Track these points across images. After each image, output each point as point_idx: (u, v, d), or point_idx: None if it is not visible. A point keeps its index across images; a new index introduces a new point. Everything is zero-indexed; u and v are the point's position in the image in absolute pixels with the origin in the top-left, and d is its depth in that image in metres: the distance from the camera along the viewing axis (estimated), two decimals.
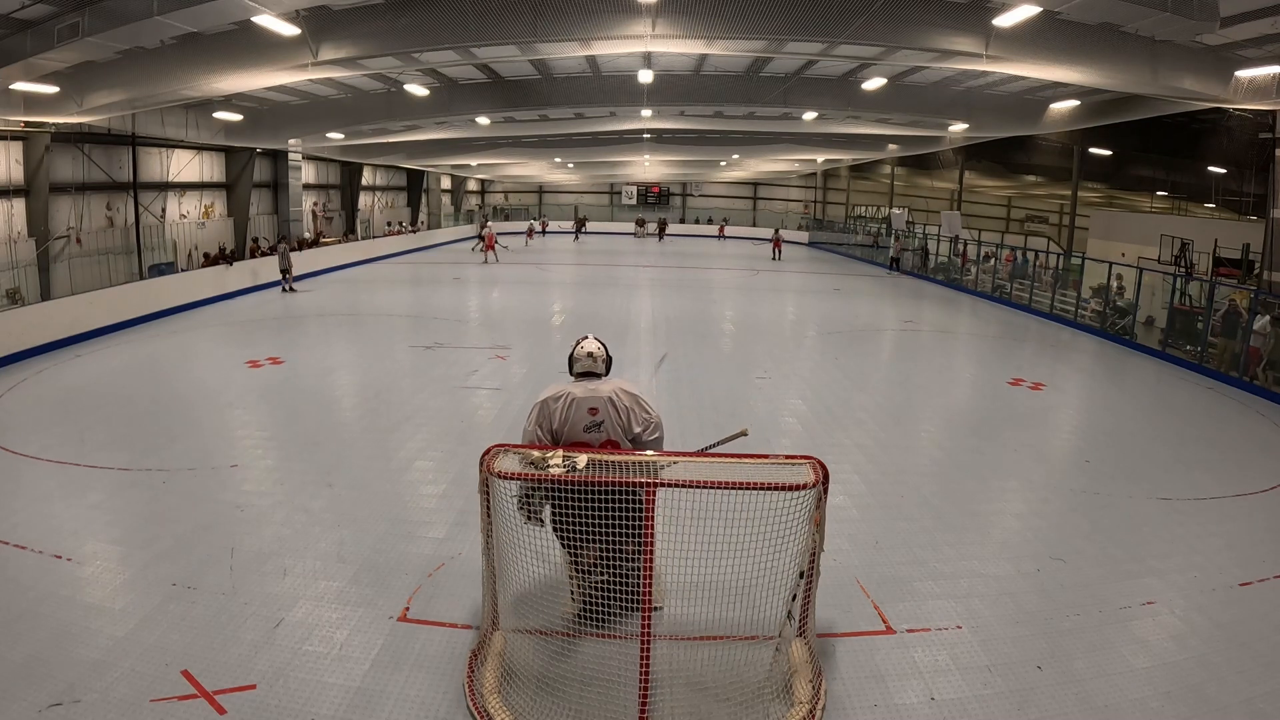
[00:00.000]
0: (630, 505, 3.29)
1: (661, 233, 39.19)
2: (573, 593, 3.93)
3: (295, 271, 17.67)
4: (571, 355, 4.08)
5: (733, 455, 3.80)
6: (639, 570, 3.29)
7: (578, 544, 3.58)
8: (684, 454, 3.85)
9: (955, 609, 4.39)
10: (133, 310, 12.94)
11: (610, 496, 3.28)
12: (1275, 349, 10.13)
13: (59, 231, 15.13)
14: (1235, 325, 10.97)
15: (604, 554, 3.59)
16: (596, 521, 3.32)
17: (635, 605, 3.30)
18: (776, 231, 31.92)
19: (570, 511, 3.35)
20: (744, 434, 4.32)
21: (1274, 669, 3.90)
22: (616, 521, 3.29)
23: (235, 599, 4.29)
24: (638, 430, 3.95)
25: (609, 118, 18.87)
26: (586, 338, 4.12)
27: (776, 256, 29.53)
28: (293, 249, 18.29)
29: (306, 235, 22.82)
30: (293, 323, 13.72)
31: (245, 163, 21.05)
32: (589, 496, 3.29)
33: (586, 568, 3.74)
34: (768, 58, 13.33)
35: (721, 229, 40.03)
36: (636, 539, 3.29)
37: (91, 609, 4.17)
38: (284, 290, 17.10)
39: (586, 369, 4.01)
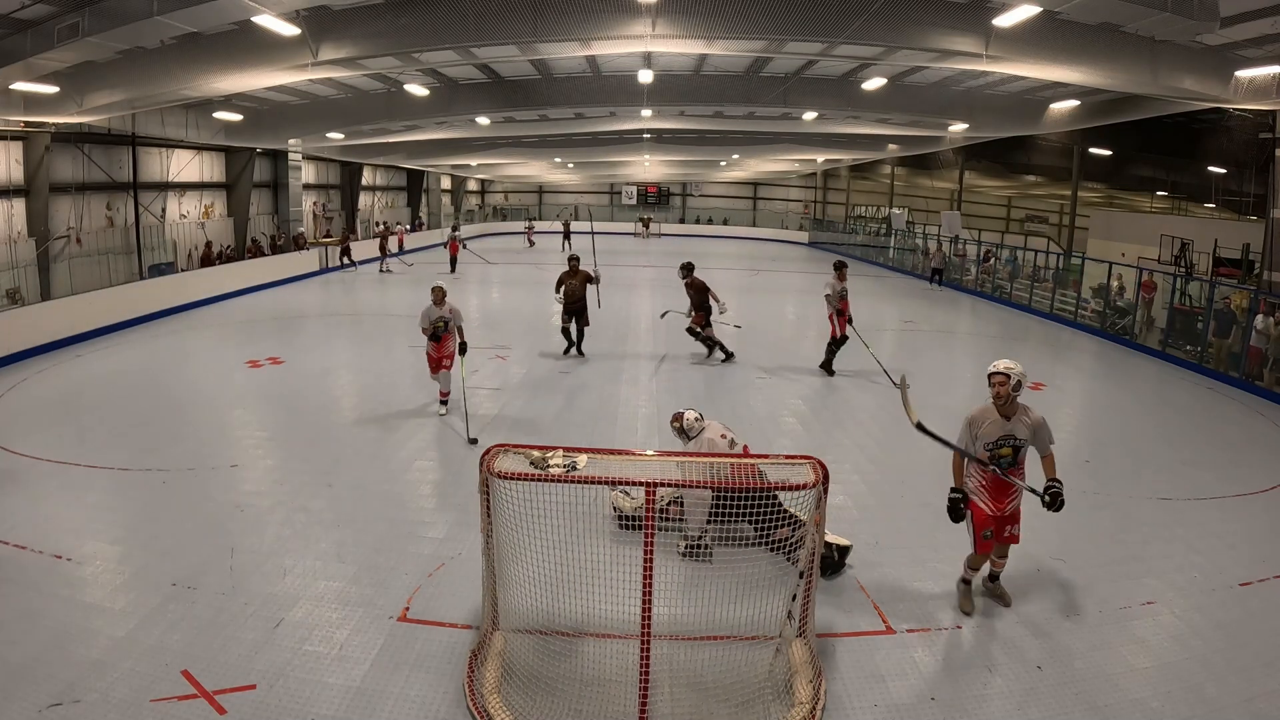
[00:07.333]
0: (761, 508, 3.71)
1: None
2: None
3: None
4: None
5: (733, 455, 3.81)
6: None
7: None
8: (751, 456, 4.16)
9: (955, 609, 4.39)
10: (133, 310, 12.94)
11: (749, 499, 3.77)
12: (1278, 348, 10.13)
13: (59, 231, 15.09)
14: (1231, 325, 10.98)
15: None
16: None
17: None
18: (454, 234, 20.13)
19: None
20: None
21: (1274, 669, 3.90)
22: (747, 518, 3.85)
23: (235, 599, 4.30)
24: None
25: (609, 118, 18.83)
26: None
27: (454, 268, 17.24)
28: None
29: (304, 233, 22.67)
30: (293, 323, 13.72)
31: (245, 163, 21.01)
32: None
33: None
34: (768, 58, 13.32)
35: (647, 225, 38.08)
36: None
37: (91, 609, 4.17)
38: None
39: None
